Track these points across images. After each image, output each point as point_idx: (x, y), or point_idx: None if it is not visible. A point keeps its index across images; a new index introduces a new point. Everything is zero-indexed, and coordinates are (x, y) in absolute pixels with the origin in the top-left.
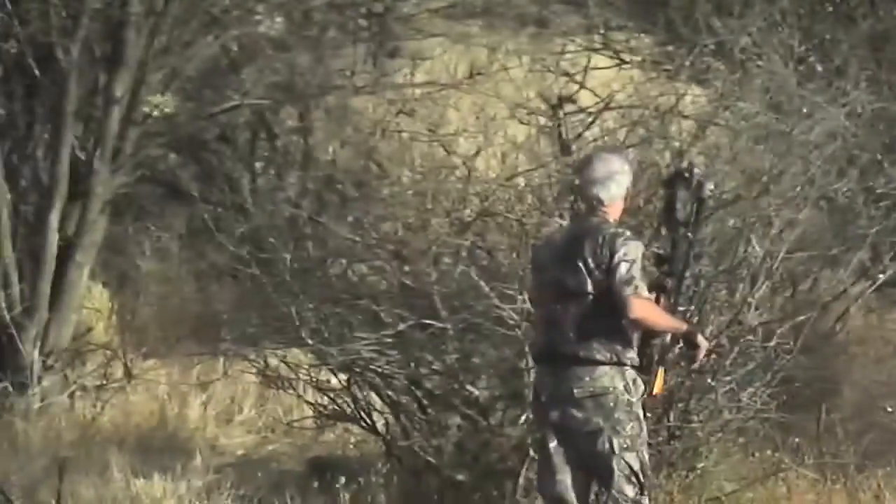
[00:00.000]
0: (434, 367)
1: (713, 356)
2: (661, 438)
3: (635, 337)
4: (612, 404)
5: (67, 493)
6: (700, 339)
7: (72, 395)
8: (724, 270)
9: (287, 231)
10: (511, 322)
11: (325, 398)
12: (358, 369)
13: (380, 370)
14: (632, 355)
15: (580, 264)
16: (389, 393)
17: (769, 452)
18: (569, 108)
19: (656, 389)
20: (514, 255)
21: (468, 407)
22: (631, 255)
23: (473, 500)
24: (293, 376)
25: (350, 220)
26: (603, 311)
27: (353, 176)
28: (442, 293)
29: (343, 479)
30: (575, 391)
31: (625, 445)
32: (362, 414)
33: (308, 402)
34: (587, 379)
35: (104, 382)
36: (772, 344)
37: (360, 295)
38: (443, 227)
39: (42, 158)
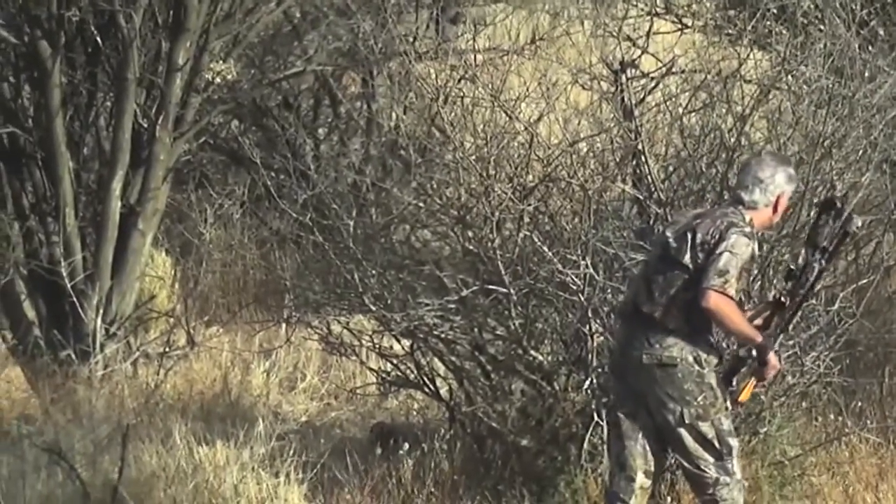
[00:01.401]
0: (497, 332)
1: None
2: None
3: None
4: (680, 375)
5: (130, 460)
6: (772, 357)
7: (134, 363)
8: (786, 235)
9: (350, 197)
10: (574, 287)
11: (389, 364)
12: (421, 335)
13: (443, 336)
14: (706, 339)
15: (689, 235)
16: (453, 359)
17: (832, 417)
18: (631, 73)
19: (742, 397)
20: (577, 220)
21: (532, 372)
22: (737, 250)
23: (537, 465)
24: (356, 343)
25: (413, 186)
26: (690, 287)
27: (416, 142)
28: (505, 258)
29: (406, 446)
30: (644, 357)
31: (696, 415)
32: (426, 380)
33: (371, 369)
34: (657, 346)
35: (167, 350)
36: (834, 308)
37: (424, 261)
38: (506, 192)
39: (104, 126)
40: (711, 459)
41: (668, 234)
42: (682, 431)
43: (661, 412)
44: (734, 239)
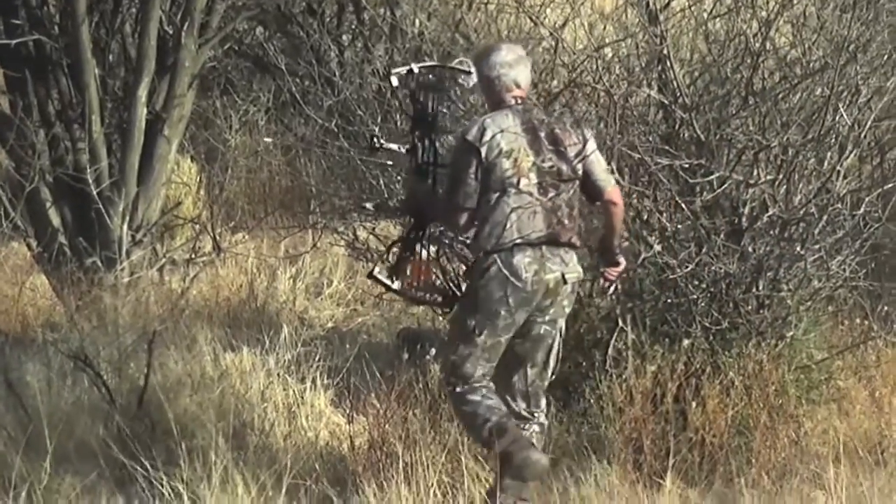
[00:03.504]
0: None
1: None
2: (750, 307)
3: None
4: (577, 289)
5: (156, 367)
6: (622, 258)
7: (160, 270)
8: (811, 139)
9: (375, 103)
10: None
11: None
12: (446, 241)
13: (469, 241)
14: None
15: (563, 150)
16: None
17: (858, 321)
18: None
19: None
20: (603, 125)
21: None
22: (596, 143)
23: (562, 371)
24: (382, 248)
25: None
26: (578, 197)
27: (440, 48)
28: None
29: (433, 351)
30: (567, 277)
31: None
32: (451, 286)
33: None
34: (570, 265)
35: (193, 256)
36: (860, 212)
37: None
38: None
39: (130, 33)
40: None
41: (540, 158)
42: (559, 341)
43: (551, 327)
44: (591, 135)
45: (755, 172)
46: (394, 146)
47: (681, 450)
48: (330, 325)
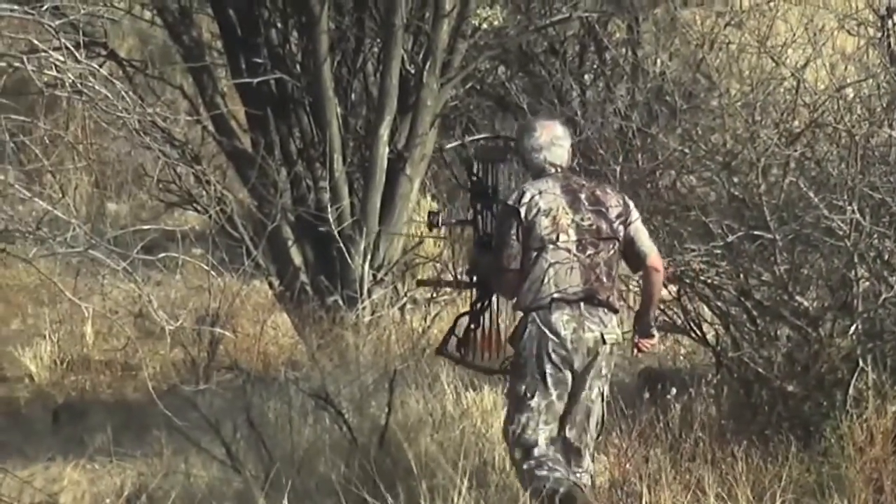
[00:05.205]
0: (763, 278)
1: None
2: None
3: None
4: (618, 353)
5: (397, 406)
6: (655, 332)
7: (402, 309)
8: None
9: (616, 143)
10: (840, 232)
11: None
12: (688, 280)
13: (709, 281)
14: None
15: (604, 211)
16: (719, 304)
17: None
18: None
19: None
20: (843, 165)
21: (798, 318)
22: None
23: (803, 410)
24: (623, 288)
25: (679, 132)
26: (619, 260)
27: (681, 88)
28: (771, 204)
29: (674, 391)
30: (606, 337)
31: (608, 390)
32: (692, 325)
33: None
34: (609, 326)
35: (434, 295)
36: None
37: (690, 206)
38: (772, 138)
39: (371, 72)
40: (596, 435)
41: (581, 217)
42: (601, 405)
43: (592, 388)
44: (632, 203)
45: None
46: (452, 221)
47: None
48: None
